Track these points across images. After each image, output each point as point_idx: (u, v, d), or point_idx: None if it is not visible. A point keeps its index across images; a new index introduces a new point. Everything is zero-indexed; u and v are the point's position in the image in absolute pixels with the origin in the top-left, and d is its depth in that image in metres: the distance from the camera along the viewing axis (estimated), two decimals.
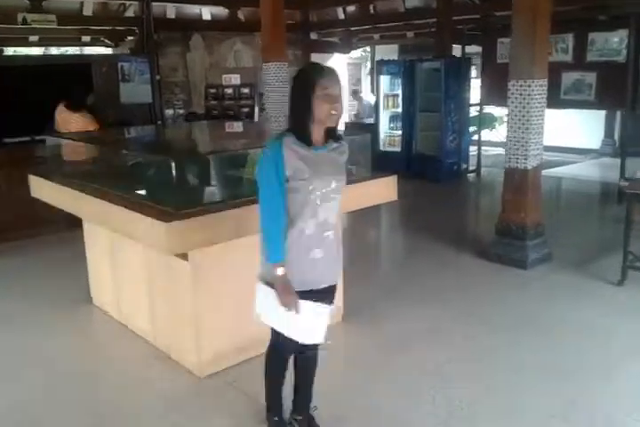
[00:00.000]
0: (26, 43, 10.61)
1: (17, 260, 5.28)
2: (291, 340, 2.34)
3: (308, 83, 2.15)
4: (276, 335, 2.41)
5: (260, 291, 2.35)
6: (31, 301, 4.31)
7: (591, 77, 7.23)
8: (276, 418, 2.60)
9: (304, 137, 2.20)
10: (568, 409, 2.84)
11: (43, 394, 3.09)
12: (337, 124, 2.26)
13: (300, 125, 2.21)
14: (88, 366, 3.40)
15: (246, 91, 9.61)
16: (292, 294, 2.24)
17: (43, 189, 3.99)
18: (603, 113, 10.01)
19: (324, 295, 2.38)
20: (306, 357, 2.55)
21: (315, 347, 2.51)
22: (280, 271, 2.22)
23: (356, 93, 12.04)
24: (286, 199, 2.21)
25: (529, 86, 4.62)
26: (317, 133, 2.24)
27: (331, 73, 2.20)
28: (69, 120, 5.47)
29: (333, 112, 2.17)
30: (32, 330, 3.86)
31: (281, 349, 2.47)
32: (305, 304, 2.26)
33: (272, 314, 2.32)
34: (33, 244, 5.69)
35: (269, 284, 2.29)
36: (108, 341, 3.71)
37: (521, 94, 4.67)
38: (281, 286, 2.23)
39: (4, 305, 4.27)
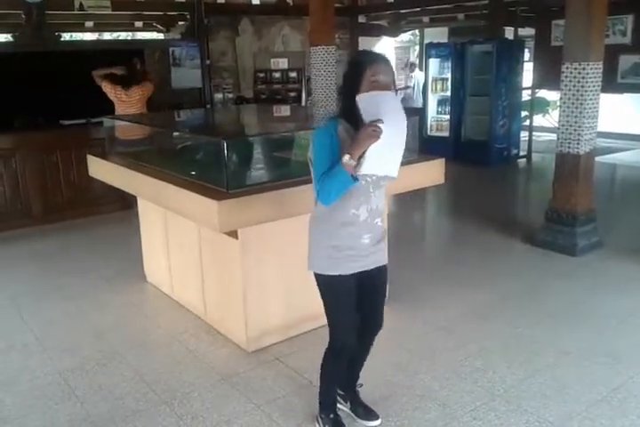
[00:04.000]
0: (81, 28, 10.89)
1: (74, 238, 5.52)
2: (349, 336, 2.36)
3: (357, 69, 2.13)
4: (336, 335, 2.41)
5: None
6: (87, 277, 4.52)
7: None
8: (332, 415, 2.56)
9: (353, 123, 2.16)
10: (614, 395, 2.81)
11: (95, 363, 3.25)
12: None
13: (348, 111, 2.17)
14: (140, 338, 3.55)
15: (294, 75, 9.66)
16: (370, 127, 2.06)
17: (100, 169, 4.15)
18: None
19: (377, 276, 2.40)
20: (366, 339, 2.55)
21: (375, 332, 2.54)
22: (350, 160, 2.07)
23: (412, 66, 11.82)
24: None
25: (583, 69, 4.50)
26: None
27: (382, 60, 2.16)
28: (132, 96, 5.66)
29: None
30: (87, 304, 4.04)
31: (340, 349, 2.43)
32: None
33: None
34: (89, 222, 5.94)
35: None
36: (160, 315, 3.86)
37: (575, 77, 4.56)
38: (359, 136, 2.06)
39: (61, 280, 4.48)
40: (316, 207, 2.32)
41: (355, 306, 2.37)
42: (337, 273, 2.29)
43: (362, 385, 2.72)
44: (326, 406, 2.58)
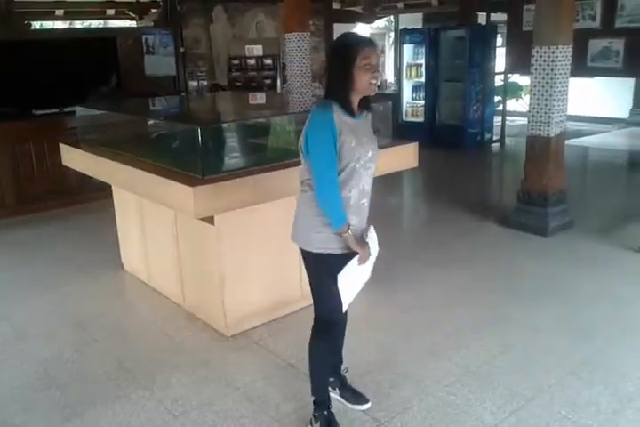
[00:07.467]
0: (52, 16, 10.68)
1: (49, 228, 5.48)
2: (337, 312, 2.38)
3: (349, 52, 2.16)
4: (323, 311, 2.41)
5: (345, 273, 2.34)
6: (64, 266, 4.50)
7: (619, 44, 7.08)
8: (326, 412, 2.50)
9: (346, 106, 2.22)
10: (582, 368, 2.91)
11: (74, 351, 3.26)
12: (374, 93, 2.25)
13: (341, 95, 2.21)
14: (118, 326, 3.57)
15: (269, 62, 9.60)
16: (366, 243, 2.37)
17: (73, 158, 4.12)
18: (632, 81, 9.80)
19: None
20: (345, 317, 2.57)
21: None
22: (351, 231, 2.27)
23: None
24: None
25: (553, 53, 4.57)
26: (355, 103, 2.26)
27: (371, 43, 2.22)
28: None
29: (373, 81, 2.19)
30: (64, 293, 4.04)
31: (328, 326, 2.44)
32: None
33: (352, 283, 2.40)
34: (65, 212, 5.89)
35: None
36: (138, 303, 3.87)
37: (545, 61, 4.63)
38: (357, 242, 2.30)
39: (38, 270, 4.46)
40: (307, 187, 2.31)
41: None
42: (328, 251, 2.30)
43: (347, 370, 2.74)
44: (320, 402, 2.51)
